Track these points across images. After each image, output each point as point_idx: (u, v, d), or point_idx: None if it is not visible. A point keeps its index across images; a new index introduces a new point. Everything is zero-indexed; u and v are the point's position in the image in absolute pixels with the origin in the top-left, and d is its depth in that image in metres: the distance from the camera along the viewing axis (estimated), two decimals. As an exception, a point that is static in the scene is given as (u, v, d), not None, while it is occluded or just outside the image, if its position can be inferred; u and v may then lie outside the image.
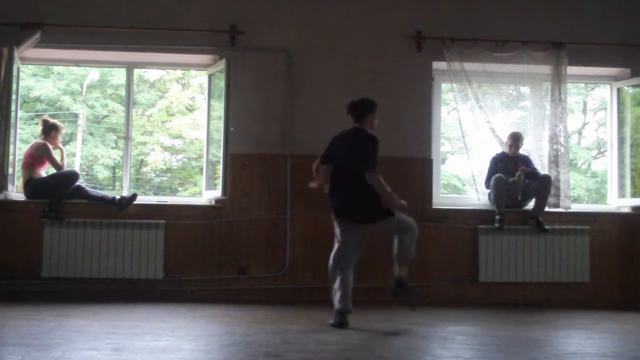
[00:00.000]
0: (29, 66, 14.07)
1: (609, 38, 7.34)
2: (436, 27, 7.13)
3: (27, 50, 6.78)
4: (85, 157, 16.64)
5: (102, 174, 16.36)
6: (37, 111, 15.70)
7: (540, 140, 7.25)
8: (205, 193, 7.21)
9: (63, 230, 6.54)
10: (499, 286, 7.00)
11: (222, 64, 6.94)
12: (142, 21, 6.91)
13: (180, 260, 6.73)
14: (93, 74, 16.26)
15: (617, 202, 7.50)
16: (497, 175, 6.87)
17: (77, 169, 12.61)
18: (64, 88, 16.09)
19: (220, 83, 7.01)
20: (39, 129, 7.00)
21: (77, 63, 7.90)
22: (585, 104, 17.78)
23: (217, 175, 7.22)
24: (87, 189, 6.86)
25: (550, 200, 7.00)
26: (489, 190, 7.03)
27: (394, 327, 5.32)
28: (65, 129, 7.60)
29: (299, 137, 6.92)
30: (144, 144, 17.17)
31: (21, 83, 7.69)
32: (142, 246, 6.62)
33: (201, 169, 10.15)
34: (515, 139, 7.09)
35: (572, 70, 7.28)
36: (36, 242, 6.53)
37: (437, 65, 7.21)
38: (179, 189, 17.73)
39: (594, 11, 7.40)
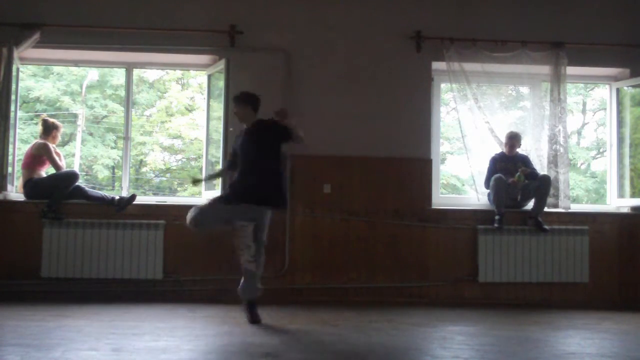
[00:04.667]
0: (29, 66, 14.08)
1: (608, 38, 7.34)
2: (436, 27, 7.13)
3: (26, 50, 6.77)
4: (85, 157, 16.64)
5: (102, 174, 16.36)
6: (36, 111, 15.71)
7: (539, 140, 7.25)
8: (204, 193, 7.21)
9: (62, 230, 6.53)
10: (499, 286, 7.00)
11: (221, 64, 6.94)
12: (141, 21, 6.91)
13: (180, 261, 6.73)
14: (92, 74, 16.26)
15: (617, 202, 7.50)
16: (497, 175, 6.87)
17: (76, 169, 12.60)
18: (64, 88, 16.10)
19: (220, 83, 7.01)
20: (38, 129, 7.00)
21: (77, 63, 7.89)
22: (584, 104, 17.78)
23: (216, 176, 7.20)
24: (87, 189, 6.86)
25: (550, 200, 7.00)
26: (488, 191, 7.03)
27: (392, 327, 5.33)
28: (63, 128, 7.59)
29: (298, 137, 6.91)
30: (144, 144, 17.17)
31: (21, 83, 7.69)
32: (142, 246, 6.62)
33: (200, 169, 10.13)
34: (511, 138, 7.09)
35: (571, 70, 7.29)
36: (36, 242, 6.52)
37: (437, 65, 7.22)
38: (179, 189, 17.73)
39: (593, 11, 7.41)
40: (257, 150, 5.44)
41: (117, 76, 15.97)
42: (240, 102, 5.59)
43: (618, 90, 7.62)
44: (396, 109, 7.08)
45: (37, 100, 15.91)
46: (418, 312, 6.25)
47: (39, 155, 6.71)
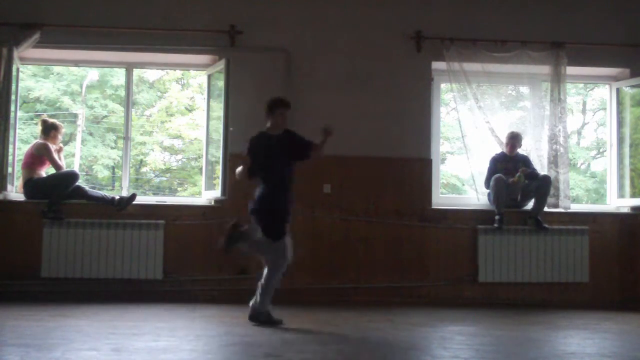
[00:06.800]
0: (29, 66, 14.08)
1: (608, 38, 7.34)
2: (436, 27, 7.13)
3: (26, 50, 6.77)
4: (85, 157, 16.65)
5: (102, 174, 16.37)
6: (36, 111, 15.71)
7: (539, 140, 7.25)
8: (204, 193, 7.21)
9: (62, 230, 6.53)
10: (499, 286, 7.00)
11: (221, 64, 6.94)
12: (141, 21, 6.91)
13: (180, 261, 6.73)
14: (92, 74, 16.26)
15: (617, 202, 7.50)
16: (497, 175, 6.87)
17: (76, 169, 12.60)
18: (64, 89, 16.10)
19: (220, 83, 7.01)
20: (38, 129, 7.00)
21: (77, 63, 7.89)
22: (584, 104, 17.78)
23: (216, 176, 7.21)
24: (87, 189, 6.86)
25: (550, 200, 7.00)
26: (488, 191, 7.03)
27: (392, 327, 5.33)
28: (64, 129, 7.61)
29: (298, 137, 6.91)
30: (144, 144, 17.17)
31: (21, 83, 7.69)
32: (142, 246, 6.62)
33: (200, 169, 10.14)
34: (512, 138, 7.09)
35: (571, 70, 7.29)
36: (35, 242, 6.52)
37: (437, 65, 7.22)
38: (179, 189, 17.73)
39: (593, 11, 7.41)
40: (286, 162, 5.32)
41: (117, 76, 15.96)
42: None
43: (618, 90, 7.62)
44: (396, 109, 7.08)
45: (37, 100, 15.91)
46: (418, 312, 6.25)
47: (39, 155, 6.70)
